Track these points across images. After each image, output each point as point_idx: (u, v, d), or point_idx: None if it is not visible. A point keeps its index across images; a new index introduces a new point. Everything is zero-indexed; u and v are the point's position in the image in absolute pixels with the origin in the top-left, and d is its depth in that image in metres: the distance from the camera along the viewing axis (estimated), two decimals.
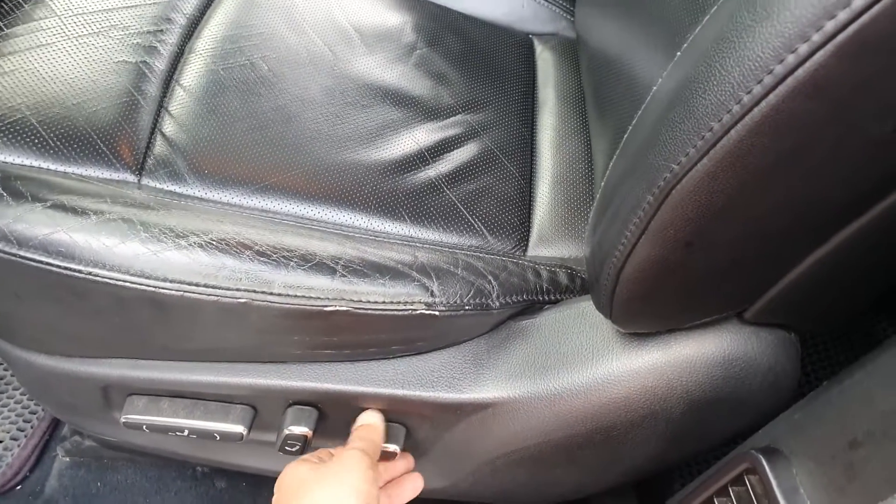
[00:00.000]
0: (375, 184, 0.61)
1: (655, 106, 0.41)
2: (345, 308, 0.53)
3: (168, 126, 0.60)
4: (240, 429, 0.60)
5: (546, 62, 0.80)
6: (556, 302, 0.59)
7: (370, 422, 0.59)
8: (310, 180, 0.60)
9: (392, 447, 0.60)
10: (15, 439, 0.84)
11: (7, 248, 0.49)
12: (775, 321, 0.50)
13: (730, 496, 0.40)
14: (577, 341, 0.55)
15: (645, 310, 0.48)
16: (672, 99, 0.38)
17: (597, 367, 0.53)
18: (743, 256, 0.41)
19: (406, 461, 0.64)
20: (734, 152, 0.33)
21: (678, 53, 0.40)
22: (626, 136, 0.46)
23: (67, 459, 0.85)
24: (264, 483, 0.84)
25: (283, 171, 0.60)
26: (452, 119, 0.69)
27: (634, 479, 0.67)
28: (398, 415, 0.61)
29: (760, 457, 0.37)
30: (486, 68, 0.75)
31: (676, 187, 0.36)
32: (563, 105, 0.75)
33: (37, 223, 0.50)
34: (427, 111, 0.68)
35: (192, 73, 0.64)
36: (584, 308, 0.56)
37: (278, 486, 0.52)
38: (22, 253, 0.49)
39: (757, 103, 0.32)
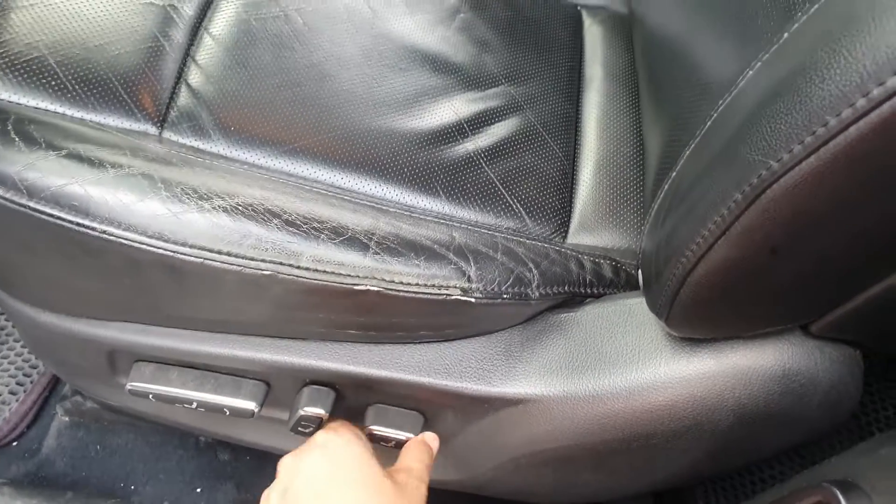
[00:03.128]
0: (410, 154, 0.57)
1: (753, 93, 0.36)
2: (376, 288, 0.49)
3: (194, 76, 0.56)
4: (251, 405, 0.57)
5: (594, 36, 0.75)
6: (598, 296, 0.55)
7: (430, 444, 0.54)
8: (342, 146, 0.56)
9: (408, 435, 0.57)
10: (13, 394, 0.81)
11: (16, 198, 0.45)
12: (843, 337, 0.46)
13: None
14: (622, 341, 0.51)
15: (706, 315, 0.44)
16: (778, 87, 0.33)
17: (642, 370, 0.49)
18: (830, 268, 0.37)
19: None
20: (850, 153, 0.29)
21: (785, 35, 0.35)
22: (708, 123, 0.41)
23: (67, 419, 0.82)
24: (269, 457, 0.81)
25: (314, 134, 0.56)
26: (494, 90, 0.64)
27: (664, 488, 0.64)
28: (418, 402, 0.57)
29: (837, 491, 0.34)
30: (531, 38, 0.70)
31: (772, 187, 0.32)
32: (612, 83, 0.71)
33: (50, 173, 0.46)
34: (468, 79, 0.63)
35: (223, 21, 0.59)
36: (631, 305, 0.52)
37: (303, 471, 0.46)
38: (32, 204, 0.45)
39: (889, 97, 0.27)
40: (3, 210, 0.46)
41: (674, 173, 0.45)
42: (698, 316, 0.44)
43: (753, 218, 0.34)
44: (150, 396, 0.57)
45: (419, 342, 0.55)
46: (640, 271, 0.50)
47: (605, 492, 0.65)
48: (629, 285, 0.57)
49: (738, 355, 0.47)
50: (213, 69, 0.56)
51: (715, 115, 0.41)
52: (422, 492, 0.48)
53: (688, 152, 0.43)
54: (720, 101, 0.40)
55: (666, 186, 0.46)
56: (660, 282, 0.43)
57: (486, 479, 0.63)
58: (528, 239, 0.56)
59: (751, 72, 0.38)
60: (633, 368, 0.49)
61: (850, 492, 0.34)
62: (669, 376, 0.48)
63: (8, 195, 0.45)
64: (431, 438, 0.56)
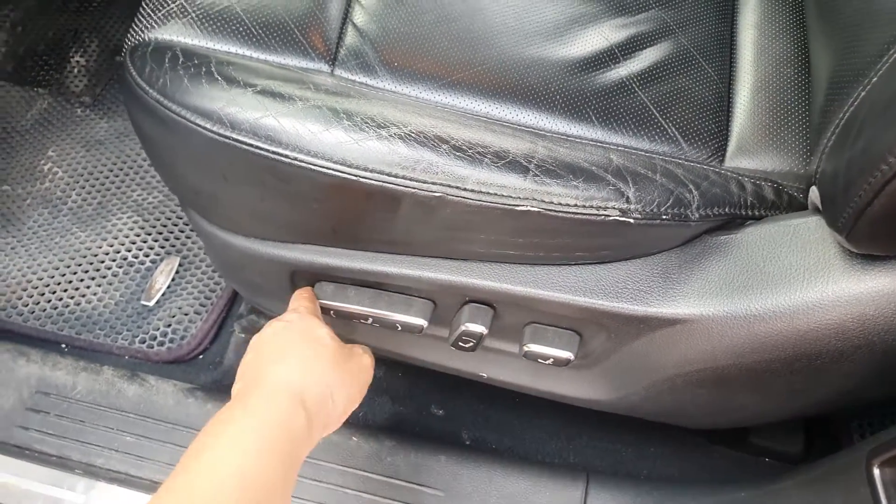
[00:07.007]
0: (562, 82, 0.58)
1: None
2: (536, 209, 0.51)
3: (358, 16, 0.59)
4: (421, 321, 0.61)
5: None
6: (759, 218, 0.55)
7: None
8: (496, 77, 0.58)
9: (566, 354, 0.60)
10: (198, 313, 0.92)
11: (221, 131, 0.51)
12: None
13: None
14: (787, 260, 0.50)
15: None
16: None
17: (808, 289, 0.49)
18: None
19: None
20: None
21: None
22: None
23: (243, 336, 0.92)
24: (418, 373, 0.87)
25: (470, 67, 0.58)
26: (645, 14, 0.63)
27: (821, 412, 0.63)
28: (574, 322, 0.60)
29: None
30: None
31: None
32: (770, 1, 0.67)
33: (248, 107, 0.51)
34: (618, 5, 0.63)
35: None
36: (796, 226, 0.52)
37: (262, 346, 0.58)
38: (234, 136, 0.51)
39: None
40: (209, 142, 0.52)
41: (869, 86, 0.43)
42: (887, 230, 0.43)
43: None
44: (332, 313, 0.63)
45: (575, 263, 0.57)
46: (811, 191, 0.49)
47: (758, 415, 0.66)
48: (791, 207, 0.55)
49: None
50: (374, 8, 0.60)
51: None
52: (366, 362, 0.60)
53: (890, 61, 0.41)
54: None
55: (857, 101, 0.44)
56: (848, 195, 0.42)
57: (639, 398, 0.65)
58: (686, 161, 0.56)
59: None
60: (799, 287, 0.49)
61: None
62: (839, 295, 0.47)
63: (214, 128, 0.51)
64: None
